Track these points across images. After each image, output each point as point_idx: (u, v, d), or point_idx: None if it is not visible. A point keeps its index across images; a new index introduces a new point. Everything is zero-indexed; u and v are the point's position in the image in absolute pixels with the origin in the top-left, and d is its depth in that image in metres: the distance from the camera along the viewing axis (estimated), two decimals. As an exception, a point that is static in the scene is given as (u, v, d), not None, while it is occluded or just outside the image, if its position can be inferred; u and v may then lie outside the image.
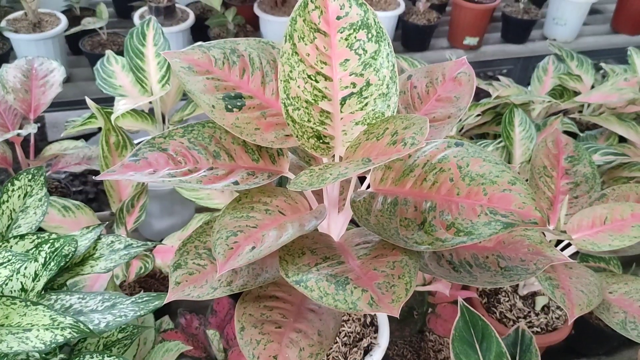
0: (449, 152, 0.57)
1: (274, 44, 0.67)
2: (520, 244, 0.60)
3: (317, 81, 0.59)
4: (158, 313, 0.90)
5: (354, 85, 0.60)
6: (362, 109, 0.60)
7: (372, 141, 0.55)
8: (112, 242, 0.74)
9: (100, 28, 1.69)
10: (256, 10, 1.88)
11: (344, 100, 0.60)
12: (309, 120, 0.60)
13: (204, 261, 0.63)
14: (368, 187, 0.64)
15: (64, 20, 1.62)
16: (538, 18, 2.07)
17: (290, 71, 0.58)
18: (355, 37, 0.59)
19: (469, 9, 2.01)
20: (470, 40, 2.06)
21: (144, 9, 1.79)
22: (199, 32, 1.92)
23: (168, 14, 1.72)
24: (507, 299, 0.89)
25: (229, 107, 0.62)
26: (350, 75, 0.60)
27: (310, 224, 0.58)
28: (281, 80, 0.59)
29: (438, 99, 0.70)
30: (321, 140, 0.61)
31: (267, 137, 0.62)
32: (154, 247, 0.89)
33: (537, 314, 0.87)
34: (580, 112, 1.38)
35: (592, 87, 1.39)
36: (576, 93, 1.37)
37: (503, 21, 2.10)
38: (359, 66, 0.59)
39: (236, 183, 0.60)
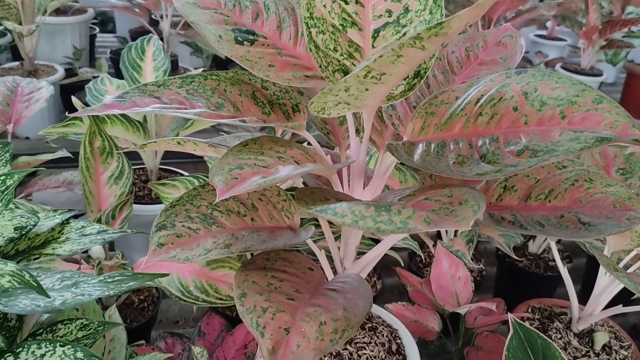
0: (510, 81, 0.46)
1: (292, -7, 0.59)
2: (602, 201, 0.47)
3: (346, 2, 0.50)
4: (132, 338, 0.73)
5: (389, 13, 0.50)
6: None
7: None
8: (83, 227, 0.60)
9: (99, 82, 1.62)
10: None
11: (376, 33, 0.50)
12: (335, 49, 0.50)
13: (197, 225, 0.49)
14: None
15: (60, 71, 1.55)
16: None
17: (316, -15, 0.49)
18: (392, -43, 0.50)
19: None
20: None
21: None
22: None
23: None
24: (559, 335, 0.73)
25: (239, 39, 0.52)
26: (385, 0, 0.50)
27: (335, 165, 0.46)
28: (304, -4, 0.49)
29: (481, 63, 0.61)
30: (349, 78, 0.50)
31: (283, 75, 0.51)
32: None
33: (597, 354, 0.71)
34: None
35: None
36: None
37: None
38: (396, -10, 0.50)
39: (244, 122, 0.49)
